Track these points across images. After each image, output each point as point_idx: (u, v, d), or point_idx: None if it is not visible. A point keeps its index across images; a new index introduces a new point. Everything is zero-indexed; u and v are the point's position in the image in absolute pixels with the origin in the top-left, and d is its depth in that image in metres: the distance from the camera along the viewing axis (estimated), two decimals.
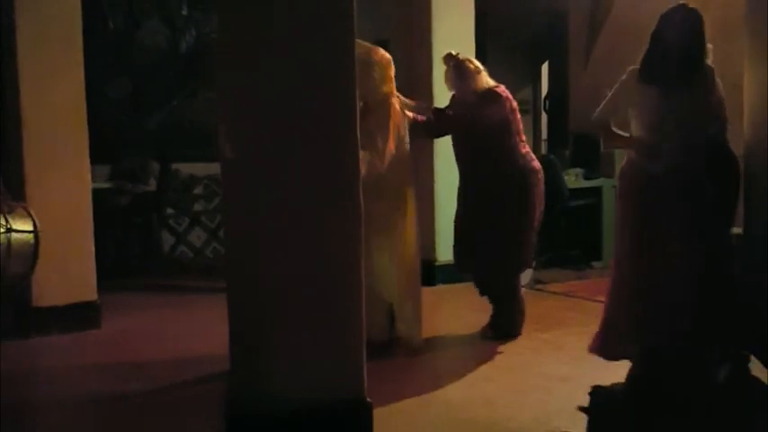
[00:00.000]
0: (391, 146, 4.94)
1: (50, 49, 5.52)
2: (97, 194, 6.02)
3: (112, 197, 7.65)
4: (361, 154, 4.85)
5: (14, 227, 4.95)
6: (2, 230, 4.86)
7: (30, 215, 5.11)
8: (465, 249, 5.39)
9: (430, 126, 5.35)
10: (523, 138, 5.44)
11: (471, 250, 5.37)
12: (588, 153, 8.22)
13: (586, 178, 7.97)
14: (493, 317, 5.39)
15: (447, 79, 5.43)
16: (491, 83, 5.37)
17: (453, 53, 5.39)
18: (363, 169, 4.77)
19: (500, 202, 5.27)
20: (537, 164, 5.41)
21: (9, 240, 4.94)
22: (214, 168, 7.52)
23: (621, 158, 8.18)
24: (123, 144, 8.12)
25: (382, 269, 4.92)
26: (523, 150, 5.37)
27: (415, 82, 6.90)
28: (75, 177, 5.63)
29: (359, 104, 4.97)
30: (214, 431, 3.48)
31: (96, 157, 5.93)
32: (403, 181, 5.02)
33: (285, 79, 3.33)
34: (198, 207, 9.08)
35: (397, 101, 5.05)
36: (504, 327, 5.33)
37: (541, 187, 5.37)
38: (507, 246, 5.28)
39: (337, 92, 3.41)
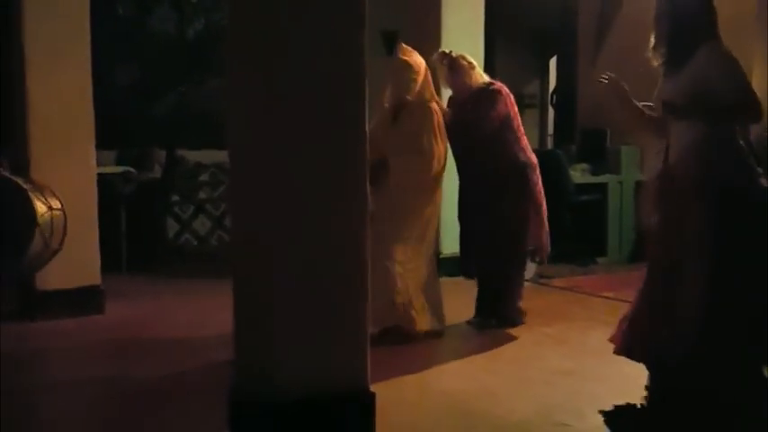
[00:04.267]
0: (441, 147, 5.15)
1: (57, 34, 5.52)
2: (103, 180, 6.02)
3: (118, 183, 7.65)
4: (400, 160, 5.03)
5: (51, 205, 5.09)
6: (46, 210, 5.00)
7: (55, 194, 5.22)
8: (466, 251, 5.41)
9: None
10: (522, 131, 5.47)
11: (471, 251, 5.40)
12: (594, 149, 8.22)
13: (592, 174, 7.96)
14: (496, 307, 5.41)
15: (441, 78, 5.45)
16: (486, 78, 5.41)
17: (446, 51, 5.41)
18: (408, 176, 5.04)
19: (500, 198, 5.30)
20: (534, 158, 5.46)
21: (52, 218, 5.07)
22: (221, 156, 7.56)
23: (628, 155, 8.21)
24: (130, 130, 8.11)
25: (409, 258, 5.08)
26: (522, 144, 5.40)
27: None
28: (80, 162, 5.64)
29: (391, 104, 5.19)
30: (218, 418, 3.49)
31: (102, 143, 5.93)
32: (425, 176, 5.16)
33: (295, 68, 3.32)
34: (203, 195, 9.08)
35: (436, 105, 5.19)
36: (508, 317, 5.38)
37: (539, 181, 5.41)
38: (507, 239, 5.32)
39: (347, 81, 3.40)
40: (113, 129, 7.05)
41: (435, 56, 5.41)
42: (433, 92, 5.28)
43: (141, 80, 8.23)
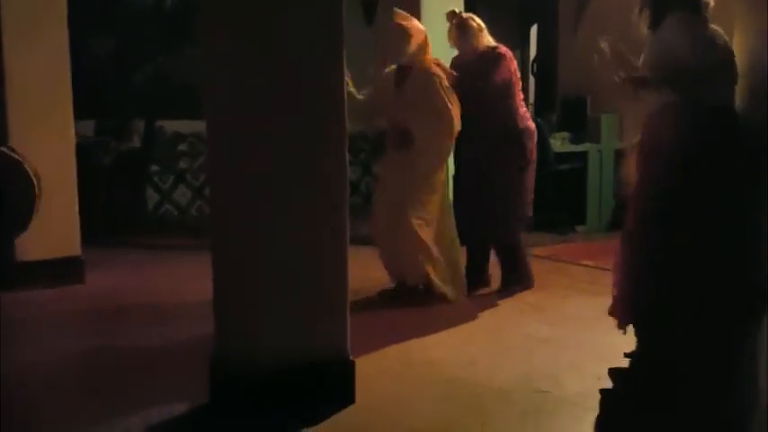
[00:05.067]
0: (455, 108, 5.12)
1: (34, 4, 5.46)
2: (82, 150, 5.99)
3: (97, 154, 7.60)
4: (417, 124, 5.07)
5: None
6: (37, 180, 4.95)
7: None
8: (465, 219, 5.43)
9: None
10: (522, 97, 5.51)
11: (471, 219, 5.42)
12: (575, 118, 8.23)
13: (573, 143, 7.98)
14: (506, 274, 5.53)
15: (450, 37, 5.45)
16: (492, 42, 5.40)
17: (456, 10, 5.41)
18: (426, 139, 5.08)
19: (501, 163, 5.34)
20: (532, 124, 5.52)
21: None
22: (199, 126, 7.49)
23: (607, 124, 8.22)
24: (108, 101, 8.04)
25: (430, 220, 5.18)
26: (521, 110, 5.44)
27: None
28: (58, 132, 5.61)
29: (389, 68, 5.23)
30: (199, 387, 3.50)
31: (80, 113, 5.89)
32: (448, 142, 5.21)
33: (272, 39, 3.30)
34: (183, 165, 9.04)
35: (439, 68, 5.18)
36: (520, 280, 5.50)
37: (534, 149, 5.48)
38: (510, 204, 5.38)
39: (324, 52, 3.39)
40: (92, 99, 6.98)
41: (446, 14, 5.43)
42: (430, 56, 5.24)
43: (118, 50, 8.14)
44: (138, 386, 3.86)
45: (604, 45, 3.66)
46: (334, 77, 3.41)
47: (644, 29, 3.63)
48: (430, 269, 5.21)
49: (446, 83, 5.14)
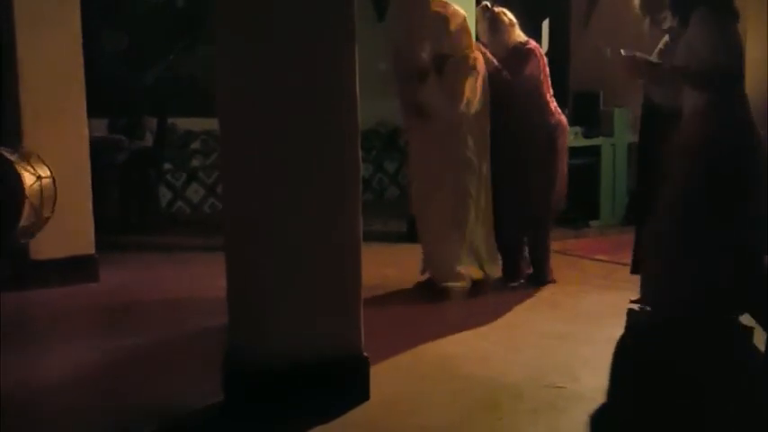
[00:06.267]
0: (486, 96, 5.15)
1: (47, 3, 5.47)
2: (94, 147, 6.00)
3: (110, 153, 7.62)
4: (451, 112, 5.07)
5: (39, 174, 5.06)
6: (34, 180, 4.97)
7: (43, 161, 5.19)
8: (499, 213, 5.44)
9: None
10: (551, 93, 5.54)
11: (507, 212, 5.45)
12: (588, 112, 8.19)
13: (585, 137, 7.94)
14: (535, 268, 5.60)
15: (481, 32, 5.50)
16: (522, 37, 5.43)
17: (488, 5, 5.43)
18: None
19: (533, 158, 5.37)
20: (564, 118, 5.58)
21: (41, 187, 5.05)
22: (211, 123, 7.53)
23: (620, 118, 8.19)
24: (120, 99, 8.07)
25: (467, 210, 5.19)
26: (552, 106, 5.48)
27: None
28: (72, 130, 5.62)
29: (430, 57, 5.14)
30: (213, 384, 3.51)
31: (93, 112, 5.91)
32: (486, 129, 5.23)
33: (283, 36, 3.30)
34: (195, 163, 9.06)
35: (479, 54, 5.17)
36: (542, 276, 5.56)
37: (566, 144, 5.57)
38: (539, 199, 5.43)
39: (336, 48, 3.39)
40: (104, 98, 7.01)
41: (478, 8, 5.48)
42: (472, 42, 5.28)
43: (131, 48, 8.16)
44: (152, 384, 3.87)
45: (613, 53, 3.71)
46: (347, 73, 3.40)
47: (648, 27, 3.67)
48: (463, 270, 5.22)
49: (484, 70, 5.16)
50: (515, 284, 5.53)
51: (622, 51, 3.80)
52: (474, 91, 5.11)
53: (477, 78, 5.14)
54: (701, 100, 3.56)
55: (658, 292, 3.73)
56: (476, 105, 5.14)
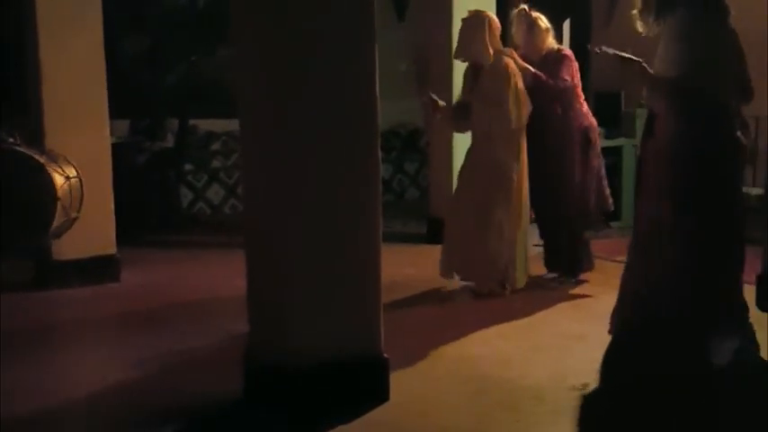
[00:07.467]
0: (523, 107, 5.19)
1: (69, 5, 5.51)
2: (116, 149, 6.04)
3: (131, 154, 7.66)
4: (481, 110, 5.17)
5: (68, 174, 5.10)
6: (63, 181, 5.02)
7: (69, 161, 5.24)
8: (538, 212, 5.60)
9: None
10: (583, 97, 5.63)
11: (546, 211, 5.59)
12: (609, 112, 8.14)
13: (607, 138, 7.89)
14: (569, 264, 5.66)
15: (517, 36, 5.56)
16: (555, 44, 5.47)
17: (526, 8, 5.53)
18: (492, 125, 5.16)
19: (567, 161, 5.44)
20: (594, 121, 5.64)
21: (70, 187, 5.10)
22: (232, 125, 7.53)
23: (642, 118, 8.13)
24: (141, 100, 8.11)
25: (501, 216, 5.23)
26: (584, 108, 5.57)
27: (434, 38, 6.86)
28: (94, 132, 5.65)
29: (466, 65, 5.31)
30: (233, 385, 3.52)
31: (115, 113, 5.94)
32: (520, 134, 5.25)
33: (303, 37, 3.31)
34: (216, 163, 9.09)
35: (511, 60, 5.23)
36: (575, 271, 5.66)
37: (598, 145, 5.65)
38: (576, 201, 5.51)
39: (356, 49, 3.39)
40: (126, 99, 7.04)
41: (515, 12, 5.55)
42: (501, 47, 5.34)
43: (152, 50, 8.19)
44: (173, 383, 3.89)
45: (605, 50, 3.70)
46: (367, 74, 3.40)
47: (638, 26, 3.66)
48: (511, 270, 5.28)
49: (520, 83, 5.20)
50: (554, 277, 5.67)
51: (604, 48, 3.80)
52: (517, 102, 5.18)
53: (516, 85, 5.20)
54: (663, 108, 3.59)
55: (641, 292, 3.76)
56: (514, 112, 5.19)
